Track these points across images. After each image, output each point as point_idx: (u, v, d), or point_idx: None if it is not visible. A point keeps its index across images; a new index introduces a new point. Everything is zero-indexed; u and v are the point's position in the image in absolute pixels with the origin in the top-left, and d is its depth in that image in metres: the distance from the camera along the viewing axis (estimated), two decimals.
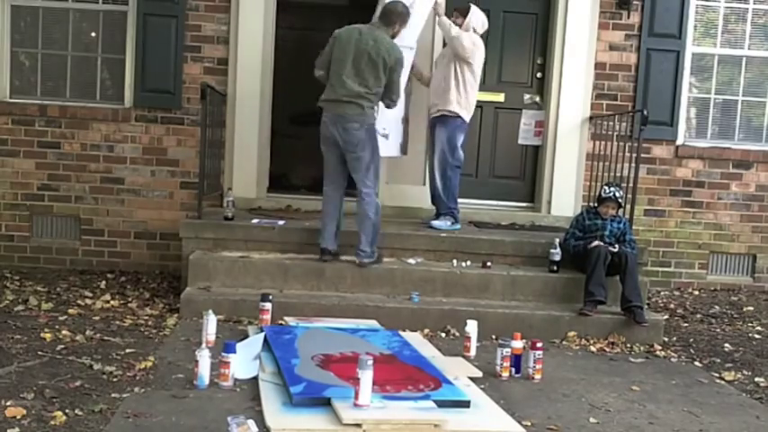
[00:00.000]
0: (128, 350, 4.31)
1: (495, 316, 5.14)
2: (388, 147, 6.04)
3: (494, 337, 4.91)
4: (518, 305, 5.37)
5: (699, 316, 6.12)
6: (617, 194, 5.56)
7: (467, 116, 6.08)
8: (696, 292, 6.92)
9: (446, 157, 6.04)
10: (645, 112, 5.85)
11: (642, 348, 5.07)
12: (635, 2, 6.81)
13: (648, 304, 5.95)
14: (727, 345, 5.32)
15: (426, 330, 5.06)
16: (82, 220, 6.74)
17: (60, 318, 4.97)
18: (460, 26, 5.99)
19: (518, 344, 4.30)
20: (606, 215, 5.58)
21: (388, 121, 5.90)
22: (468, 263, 5.66)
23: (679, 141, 7.04)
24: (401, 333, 4.81)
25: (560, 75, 6.79)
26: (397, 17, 5.36)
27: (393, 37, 5.35)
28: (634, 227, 5.83)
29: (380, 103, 5.40)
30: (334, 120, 5.24)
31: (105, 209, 6.73)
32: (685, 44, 6.95)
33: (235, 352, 3.77)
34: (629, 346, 5.10)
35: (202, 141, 5.83)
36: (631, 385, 4.28)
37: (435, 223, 6.03)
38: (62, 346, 4.32)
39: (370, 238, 5.35)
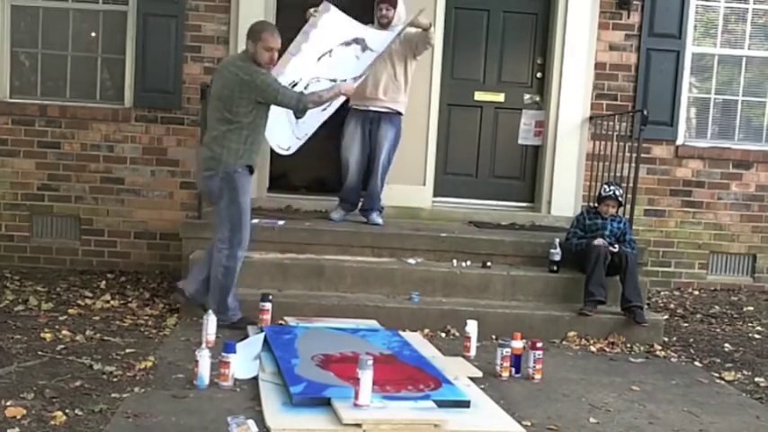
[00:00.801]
0: (128, 350, 4.31)
1: (495, 316, 5.14)
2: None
3: (494, 337, 4.91)
4: (518, 305, 5.37)
5: (699, 316, 6.12)
6: (617, 193, 5.57)
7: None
8: (696, 292, 6.92)
9: (391, 157, 6.03)
10: (645, 112, 5.85)
11: (642, 348, 5.07)
12: (635, 2, 6.82)
13: (648, 304, 5.95)
14: (727, 345, 5.32)
15: (426, 330, 5.06)
16: (82, 220, 6.74)
17: (60, 318, 4.98)
18: (391, 19, 5.78)
19: (518, 344, 4.30)
20: (606, 214, 5.58)
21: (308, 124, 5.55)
22: (468, 263, 5.65)
23: (679, 141, 7.05)
24: (401, 333, 4.80)
25: (560, 75, 6.79)
26: (247, 34, 4.74)
27: (256, 57, 4.66)
28: (634, 227, 5.83)
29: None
30: (198, 168, 4.88)
31: (105, 209, 6.74)
32: (685, 44, 6.95)
33: (235, 352, 3.77)
34: (629, 346, 5.10)
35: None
36: (631, 385, 4.28)
37: (380, 220, 6.05)
38: (62, 346, 4.32)
39: (216, 298, 4.76)
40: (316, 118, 5.52)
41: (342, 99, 5.39)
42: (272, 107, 4.83)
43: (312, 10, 5.78)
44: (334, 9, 5.75)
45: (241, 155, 4.68)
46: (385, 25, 5.81)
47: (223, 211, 4.73)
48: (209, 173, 4.71)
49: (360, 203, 6.19)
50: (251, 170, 4.81)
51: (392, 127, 5.96)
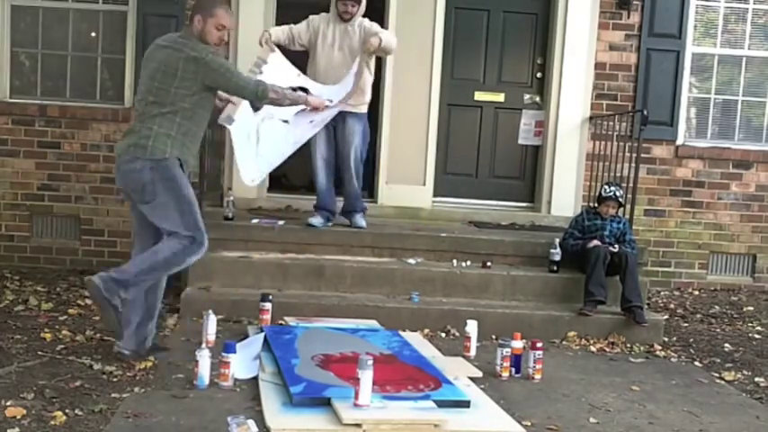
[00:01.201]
0: None
1: (495, 316, 5.14)
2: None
3: (494, 337, 4.91)
4: (518, 305, 5.37)
5: (699, 316, 6.12)
6: (617, 194, 5.57)
7: None
8: (696, 292, 6.92)
9: (362, 153, 5.80)
10: (645, 112, 5.85)
11: (642, 348, 5.07)
12: (635, 2, 6.82)
13: (648, 304, 5.95)
14: (727, 345, 5.32)
15: (426, 330, 5.06)
16: (82, 220, 6.74)
17: (60, 318, 4.97)
18: (354, 15, 5.58)
19: (518, 344, 4.30)
20: (607, 215, 5.58)
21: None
22: (468, 263, 5.65)
23: (679, 141, 7.05)
24: (401, 333, 4.80)
25: (560, 75, 6.80)
26: (194, 9, 4.11)
27: (204, 35, 4.00)
28: (634, 227, 5.83)
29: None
30: (117, 163, 4.05)
31: (105, 209, 6.74)
32: (685, 44, 6.95)
33: (235, 352, 3.77)
34: (629, 346, 5.10)
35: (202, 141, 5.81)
36: (631, 385, 4.28)
37: (363, 222, 5.84)
38: (62, 346, 4.32)
39: (136, 264, 3.93)
40: (279, 151, 5.21)
41: (305, 123, 5.12)
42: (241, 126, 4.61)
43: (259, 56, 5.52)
44: (278, 52, 5.55)
45: (170, 144, 3.92)
46: (347, 21, 5.61)
47: (168, 207, 3.93)
48: (133, 165, 3.91)
49: (338, 209, 5.94)
50: (181, 166, 4.00)
51: (358, 122, 5.70)
